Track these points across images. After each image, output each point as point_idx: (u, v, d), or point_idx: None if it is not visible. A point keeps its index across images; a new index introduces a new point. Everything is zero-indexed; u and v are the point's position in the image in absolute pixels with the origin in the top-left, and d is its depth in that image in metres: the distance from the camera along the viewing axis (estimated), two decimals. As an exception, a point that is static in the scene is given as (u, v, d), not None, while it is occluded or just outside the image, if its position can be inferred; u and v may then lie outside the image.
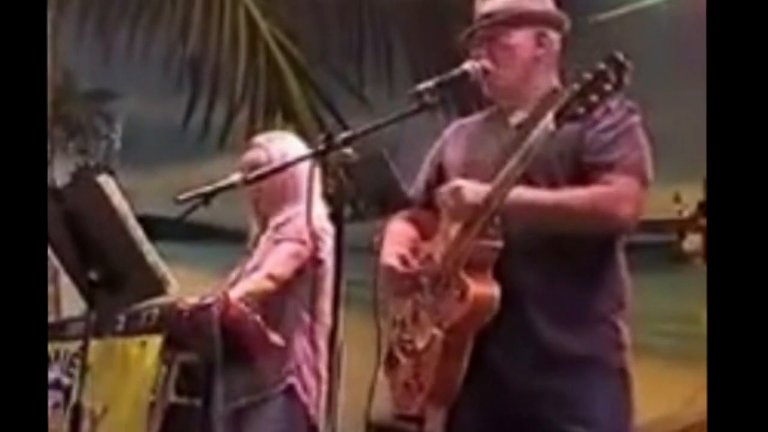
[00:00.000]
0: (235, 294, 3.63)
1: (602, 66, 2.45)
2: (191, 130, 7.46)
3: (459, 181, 2.72)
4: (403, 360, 2.82)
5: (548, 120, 2.54)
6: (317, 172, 2.75)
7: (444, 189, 2.75)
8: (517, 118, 2.89)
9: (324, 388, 2.58)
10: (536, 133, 2.56)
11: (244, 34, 7.54)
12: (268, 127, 7.07)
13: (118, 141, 7.16)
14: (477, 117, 3.06)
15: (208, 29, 7.52)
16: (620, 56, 2.44)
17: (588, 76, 2.47)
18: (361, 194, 2.61)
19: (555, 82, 2.93)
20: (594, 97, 2.45)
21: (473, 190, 2.67)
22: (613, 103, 2.63)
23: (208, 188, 2.78)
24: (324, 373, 2.56)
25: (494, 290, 2.65)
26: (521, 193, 2.63)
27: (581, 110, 2.48)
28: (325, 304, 3.25)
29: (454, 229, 2.72)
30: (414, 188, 3.05)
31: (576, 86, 2.49)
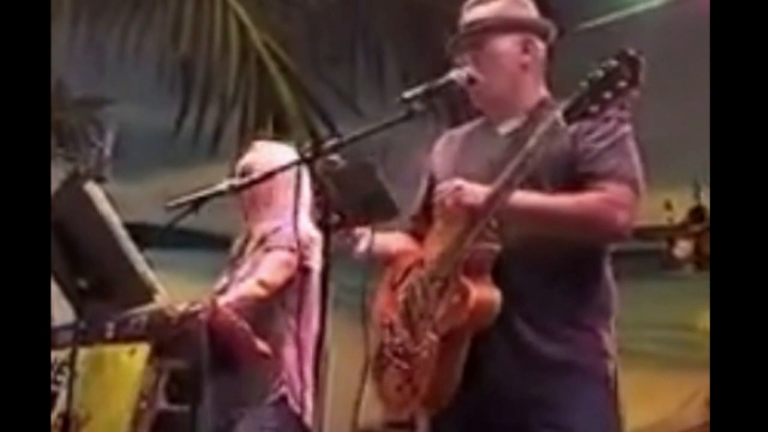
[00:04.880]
0: (226, 300, 3.64)
1: (614, 62, 2.41)
2: (183, 136, 7.47)
3: (459, 181, 2.70)
4: (394, 364, 2.81)
5: (551, 121, 2.51)
6: (307, 180, 2.76)
7: (443, 187, 2.74)
8: (507, 127, 2.88)
9: (311, 395, 2.58)
10: (540, 134, 2.54)
11: (235, 41, 7.56)
12: (259, 133, 7.08)
13: (108, 148, 7.15)
14: (466, 127, 3.05)
15: (199, 35, 7.53)
16: (631, 51, 2.40)
17: (599, 73, 2.42)
18: (349, 202, 2.60)
19: (543, 91, 2.92)
20: (608, 94, 2.41)
21: (473, 191, 2.65)
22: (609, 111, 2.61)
23: (197, 195, 2.78)
24: (311, 380, 2.55)
25: (495, 294, 2.63)
26: (519, 197, 2.62)
27: (594, 108, 2.43)
28: (314, 312, 3.24)
29: (452, 232, 2.71)
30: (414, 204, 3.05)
31: (585, 84, 2.45)
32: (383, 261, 2.97)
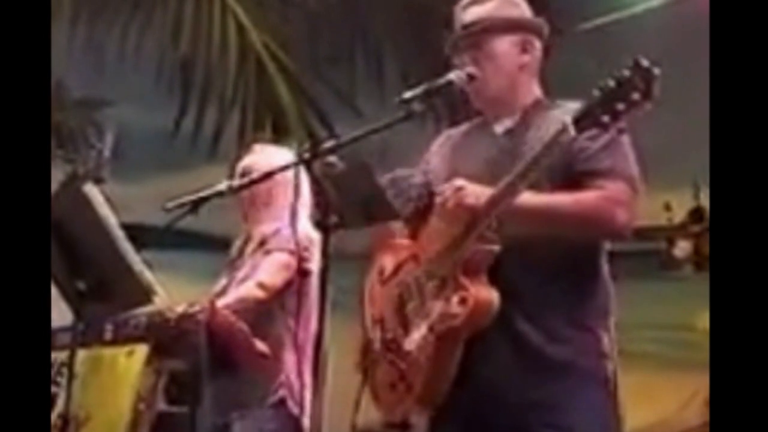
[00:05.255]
0: (225, 301, 3.64)
1: (627, 73, 2.38)
2: (182, 138, 7.46)
3: (461, 182, 2.70)
4: (387, 360, 2.80)
5: (560, 129, 2.49)
6: (306, 181, 2.76)
7: (445, 187, 2.73)
8: (503, 126, 2.89)
9: (310, 396, 2.57)
10: (549, 142, 2.53)
11: (234, 42, 7.54)
12: (258, 134, 7.08)
13: (108, 149, 7.14)
14: (462, 127, 3.05)
15: (199, 36, 7.51)
16: (645, 62, 2.37)
17: (611, 83, 2.39)
18: (347, 203, 2.60)
19: (537, 90, 2.93)
20: (620, 106, 2.37)
21: (475, 192, 2.65)
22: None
23: (196, 196, 2.78)
24: (310, 381, 2.55)
25: (493, 295, 2.62)
26: (519, 197, 2.61)
27: (606, 118, 2.40)
28: (312, 314, 3.24)
29: (452, 231, 2.70)
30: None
31: (597, 93, 2.42)
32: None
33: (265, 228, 3.87)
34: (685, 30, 5.43)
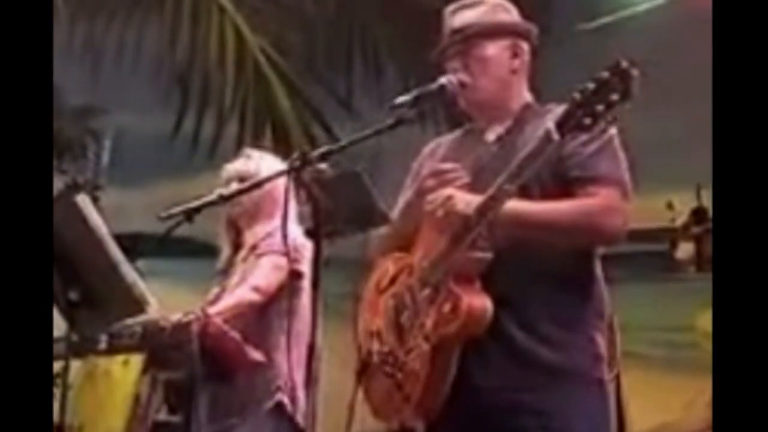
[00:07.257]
0: (220, 308, 3.63)
1: (605, 75, 2.39)
2: (180, 143, 7.46)
3: (450, 190, 2.69)
4: (384, 371, 2.79)
5: (543, 133, 2.50)
6: (295, 189, 2.75)
7: (434, 197, 2.72)
8: (494, 133, 2.89)
9: (305, 401, 2.56)
10: (533, 147, 2.52)
11: (232, 48, 7.54)
12: (257, 139, 7.08)
13: (106, 157, 7.14)
14: (453, 135, 3.06)
15: (196, 43, 7.52)
16: (624, 64, 2.38)
17: (591, 85, 2.41)
18: (338, 210, 2.58)
19: (527, 95, 2.93)
20: (600, 107, 2.39)
21: (464, 200, 2.64)
22: None
23: (188, 206, 2.77)
24: (305, 386, 2.55)
25: (486, 302, 2.62)
26: (511, 205, 2.60)
27: (587, 120, 2.42)
28: (306, 318, 3.24)
29: (443, 240, 2.69)
30: (397, 207, 3.03)
31: (578, 96, 2.43)
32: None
33: (256, 232, 3.88)
34: (687, 28, 5.42)
